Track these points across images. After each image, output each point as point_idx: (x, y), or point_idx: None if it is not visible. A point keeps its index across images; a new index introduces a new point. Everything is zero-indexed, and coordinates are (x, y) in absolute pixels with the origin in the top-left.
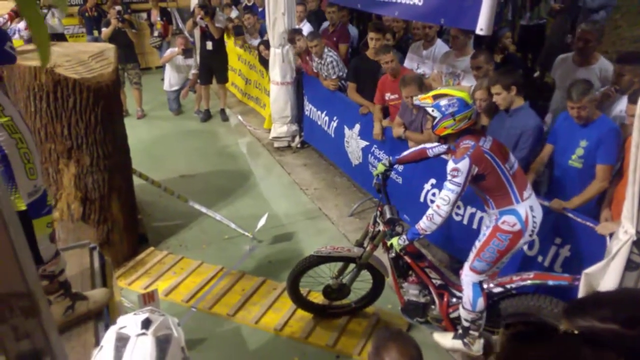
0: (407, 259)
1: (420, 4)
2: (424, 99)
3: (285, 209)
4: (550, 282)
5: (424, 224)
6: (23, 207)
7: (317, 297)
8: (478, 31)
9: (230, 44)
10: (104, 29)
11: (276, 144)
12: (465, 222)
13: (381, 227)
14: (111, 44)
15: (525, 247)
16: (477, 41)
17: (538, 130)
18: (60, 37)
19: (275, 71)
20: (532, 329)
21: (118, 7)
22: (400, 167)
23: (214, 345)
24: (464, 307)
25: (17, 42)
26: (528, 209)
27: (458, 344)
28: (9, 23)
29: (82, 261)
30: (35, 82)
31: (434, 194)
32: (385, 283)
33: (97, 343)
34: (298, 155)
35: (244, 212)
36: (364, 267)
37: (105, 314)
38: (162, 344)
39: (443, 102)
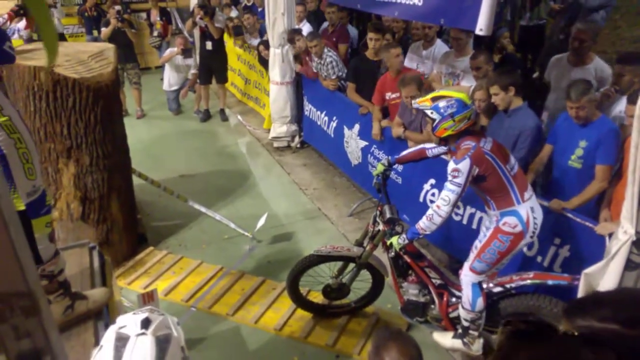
0: (407, 258)
1: (419, 4)
2: (422, 102)
3: (284, 208)
4: (550, 282)
5: (424, 224)
6: (22, 207)
7: (317, 297)
8: (478, 31)
9: (229, 44)
10: (103, 29)
11: (276, 144)
12: (464, 222)
13: (381, 227)
14: (111, 44)
15: (525, 248)
16: (475, 41)
17: (537, 131)
18: (59, 37)
19: (275, 71)
20: (532, 327)
21: (117, 7)
22: (399, 167)
23: (214, 345)
24: (463, 307)
25: (16, 41)
26: (529, 210)
27: (458, 343)
28: (8, 23)
29: (81, 261)
30: (35, 81)
31: (433, 194)
32: (384, 283)
33: (96, 342)
34: (297, 155)
35: (244, 212)
36: (363, 267)
37: (104, 314)
38: (162, 343)
39: (442, 103)
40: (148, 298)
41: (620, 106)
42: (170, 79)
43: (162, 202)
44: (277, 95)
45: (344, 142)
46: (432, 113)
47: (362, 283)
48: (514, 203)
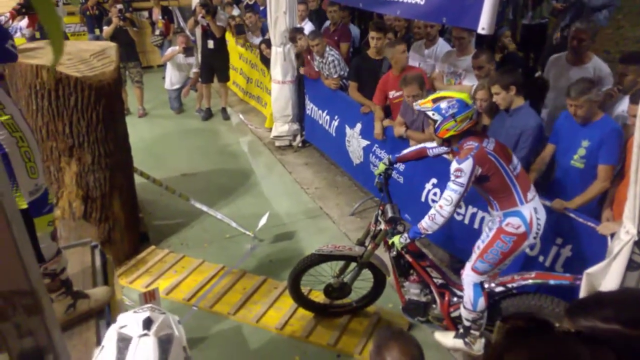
0: (409, 258)
1: (422, 3)
2: (423, 104)
3: (286, 208)
4: (552, 282)
5: (426, 224)
6: (24, 206)
7: (318, 296)
8: (480, 30)
9: (231, 42)
10: (105, 28)
11: (277, 143)
12: (466, 221)
13: (383, 226)
14: (113, 43)
15: (527, 248)
16: (477, 40)
17: (538, 130)
18: None
19: (277, 70)
20: (529, 324)
21: (119, 6)
22: (401, 167)
23: (215, 344)
24: (465, 307)
25: (18, 40)
26: (532, 210)
27: (459, 343)
28: (10, 21)
29: (83, 259)
30: (37, 80)
31: (435, 194)
32: (386, 282)
33: (98, 341)
34: (299, 154)
35: (245, 211)
36: (365, 266)
37: (106, 312)
38: (164, 344)
39: (443, 104)
40: (150, 297)
41: (623, 106)
42: (172, 78)
43: (163, 200)
44: (278, 94)
45: (345, 141)
46: (433, 114)
47: (364, 282)
48: (517, 203)
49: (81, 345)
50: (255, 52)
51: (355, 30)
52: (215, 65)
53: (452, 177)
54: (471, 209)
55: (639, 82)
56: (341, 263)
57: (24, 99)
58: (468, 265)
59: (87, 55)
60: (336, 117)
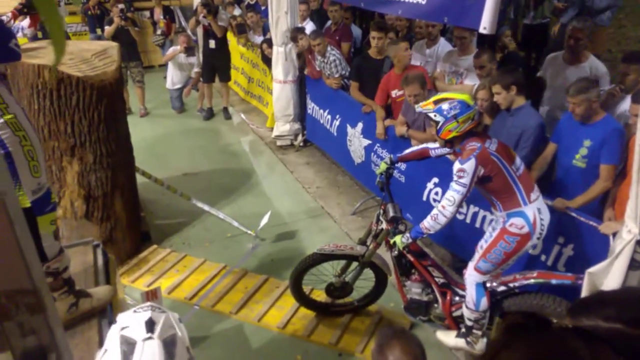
0: (410, 257)
1: (423, 2)
2: (425, 106)
3: (287, 207)
4: (554, 281)
5: (428, 224)
6: (27, 205)
7: (320, 295)
8: (481, 30)
9: (233, 42)
10: (106, 27)
11: (279, 143)
12: (468, 221)
13: (384, 225)
14: (114, 42)
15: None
16: (478, 40)
17: (539, 129)
18: None
19: (278, 69)
20: (527, 321)
21: (121, 5)
22: (403, 166)
23: (217, 343)
24: (467, 307)
25: (20, 40)
26: (536, 211)
27: (461, 342)
28: (12, 21)
29: (85, 258)
30: (39, 79)
31: (436, 193)
32: (388, 281)
33: (100, 340)
34: (300, 154)
35: (247, 210)
36: (366, 266)
37: (108, 311)
38: (169, 347)
39: (444, 105)
40: (152, 296)
41: (625, 105)
42: (173, 78)
43: (165, 200)
44: (280, 94)
45: (347, 141)
46: (435, 116)
47: (365, 282)
48: (521, 204)
49: (83, 344)
50: (256, 51)
51: (356, 30)
52: (216, 65)
53: (455, 178)
54: (473, 208)
55: None
56: (343, 262)
57: (26, 99)
58: (471, 265)
59: (88, 55)
60: (337, 116)
